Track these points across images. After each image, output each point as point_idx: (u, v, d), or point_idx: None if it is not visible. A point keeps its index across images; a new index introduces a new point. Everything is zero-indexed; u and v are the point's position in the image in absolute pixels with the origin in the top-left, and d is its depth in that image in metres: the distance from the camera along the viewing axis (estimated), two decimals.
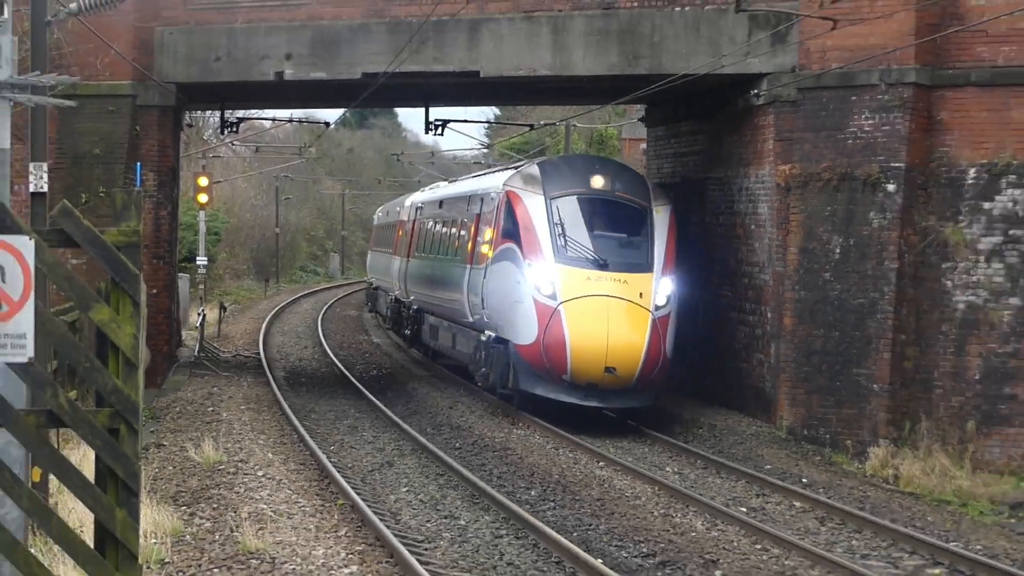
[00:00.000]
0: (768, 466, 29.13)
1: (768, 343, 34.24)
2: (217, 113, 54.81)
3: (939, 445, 28.71)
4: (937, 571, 20.93)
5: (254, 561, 19.69)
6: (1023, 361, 29.93)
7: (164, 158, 40.00)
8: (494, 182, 38.53)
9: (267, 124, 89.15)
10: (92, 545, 9.72)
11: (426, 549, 20.64)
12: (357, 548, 20.79)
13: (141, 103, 38.21)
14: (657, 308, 31.51)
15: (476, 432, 32.53)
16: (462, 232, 41.70)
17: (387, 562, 19.75)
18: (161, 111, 39.39)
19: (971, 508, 26.38)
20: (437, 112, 57.08)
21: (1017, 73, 30.11)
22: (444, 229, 46.12)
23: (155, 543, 19.23)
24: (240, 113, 57.48)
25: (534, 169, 35.00)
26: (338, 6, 36.35)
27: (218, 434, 30.81)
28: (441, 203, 48.94)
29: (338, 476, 25.69)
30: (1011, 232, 30.10)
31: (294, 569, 19.35)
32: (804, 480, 27.72)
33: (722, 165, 37.89)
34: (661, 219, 33.39)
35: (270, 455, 28.81)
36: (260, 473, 26.62)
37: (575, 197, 33.31)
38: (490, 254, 35.53)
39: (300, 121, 72.26)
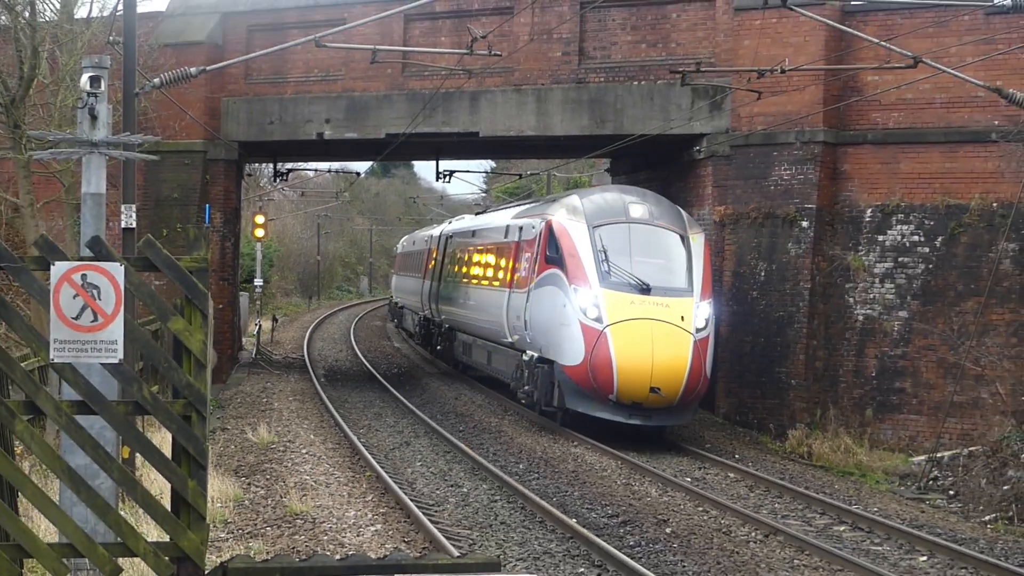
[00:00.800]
0: (708, 445, 29.10)
1: None
2: (271, 165, 54.97)
3: (843, 428, 28.82)
4: (842, 528, 20.89)
5: (299, 521, 19.67)
6: (909, 362, 29.98)
7: (228, 201, 40.06)
8: (532, 213, 33.93)
9: (310, 173, 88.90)
10: (169, 508, 9.68)
11: (436, 511, 20.62)
12: (381, 510, 20.77)
13: (210, 157, 38.28)
14: (698, 331, 26.98)
15: (476, 418, 32.47)
16: (500, 259, 36.12)
17: (405, 521, 19.74)
18: (226, 164, 39.45)
19: (869, 478, 26.48)
20: (445, 164, 56.95)
21: (903, 134, 30.24)
22: (479, 256, 40.16)
23: (220, 507, 19.23)
24: (289, 165, 57.34)
25: (575, 200, 30.47)
26: (367, 80, 36.33)
27: (270, 420, 30.76)
28: (474, 233, 43.31)
29: (366, 453, 25.67)
30: (899, 259, 30.23)
31: (331, 527, 19.30)
32: (736, 456, 27.73)
33: None
34: (697, 245, 28.83)
35: (312, 436, 28.76)
36: (304, 451, 26.59)
37: (616, 225, 28.61)
38: (532, 279, 30.71)
39: (336, 171, 72.31)
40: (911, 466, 27.45)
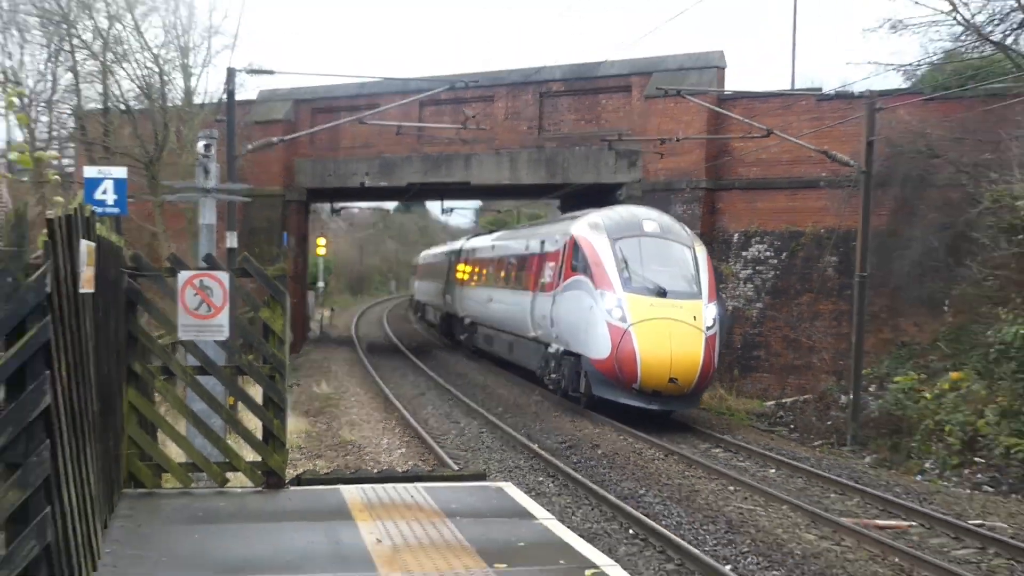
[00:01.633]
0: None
1: None
2: (328, 204, 54.93)
3: (720, 383, 28.79)
4: (718, 450, 20.98)
5: (349, 446, 19.72)
6: (763, 338, 30.07)
7: (299, 229, 40.05)
8: (552, 230, 29.59)
9: (355, 210, 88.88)
10: (261, 439, 9.73)
11: (442, 439, 20.68)
12: (404, 439, 20.82)
13: (287, 199, 38.27)
14: (707, 328, 23.32)
15: (470, 377, 32.45)
16: (524, 268, 31.20)
17: (421, 446, 19.79)
18: (297, 204, 39.44)
19: (736, 417, 26.47)
20: (447, 203, 57.13)
21: (759, 182, 30.25)
22: (502, 266, 34.66)
23: (295, 437, 19.25)
24: (340, 204, 57.43)
25: (597, 217, 26.11)
26: (393, 146, 36.29)
27: (329, 378, 30.77)
28: (494, 247, 37.81)
29: (395, 400, 25.71)
30: (757, 268, 30.29)
31: (371, 450, 19.36)
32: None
33: None
34: (701, 255, 24.99)
35: (358, 389, 28.78)
36: (352, 399, 26.61)
37: (634, 238, 24.66)
38: (558, 284, 26.45)
39: (373, 209, 72.67)
40: (765, 408, 27.55)
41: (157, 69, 34.87)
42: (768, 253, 30.39)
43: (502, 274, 34.31)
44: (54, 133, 37.43)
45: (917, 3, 27.94)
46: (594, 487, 16.10)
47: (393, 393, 27.24)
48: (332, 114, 36.47)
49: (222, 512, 8.84)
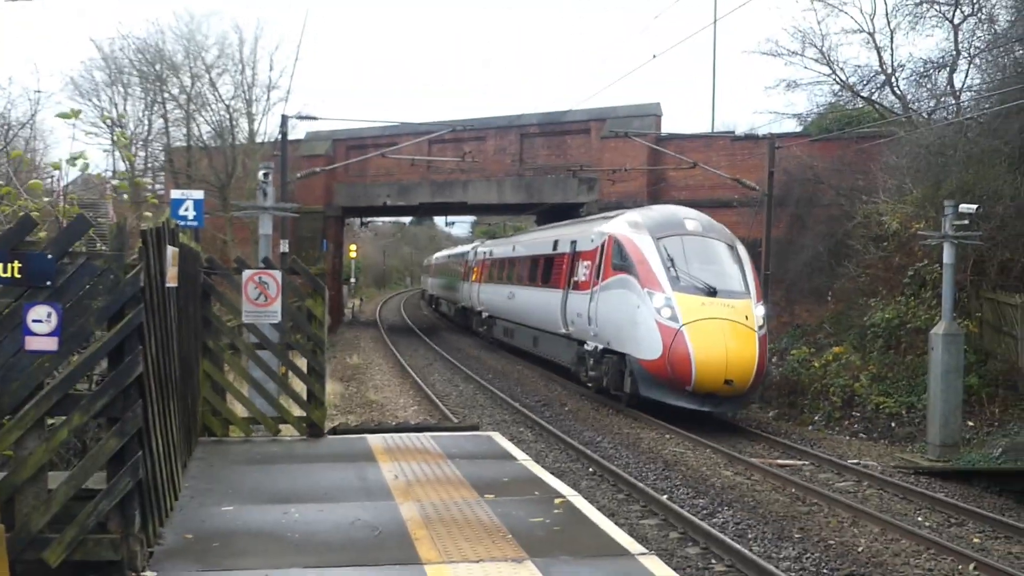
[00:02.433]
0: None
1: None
2: (359, 219, 54.68)
3: None
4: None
5: (374, 405, 19.62)
6: None
7: (336, 237, 39.69)
8: (584, 230, 23.10)
9: (379, 223, 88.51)
10: (305, 399, 9.68)
11: (445, 399, 20.55)
12: (417, 399, 20.74)
13: (327, 215, 37.87)
14: (759, 328, 17.64)
15: (467, 352, 32.30)
16: (550, 266, 24.94)
17: (430, 405, 19.68)
18: (335, 218, 39.13)
19: None
20: (450, 218, 57.12)
21: (688, 203, 29.33)
22: (524, 265, 28.21)
23: (332, 398, 19.10)
24: (368, 219, 57.30)
25: (637, 216, 20.20)
26: (408, 175, 36.05)
27: (359, 352, 30.65)
28: (514, 248, 31.20)
29: (409, 369, 25.62)
30: None
31: (391, 408, 19.26)
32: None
33: None
34: (744, 254, 19.23)
35: (381, 361, 28.68)
36: (376, 368, 26.51)
37: (677, 237, 18.77)
38: (596, 283, 20.37)
39: (393, 222, 72.35)
40: None
41: (228, 116, 35.48)
42: None
43: (526, 273, 28.08)
44: (149, 164, 37.63)
45: (806, 68, 28.52)
46: (562, 435, 16.08)
47: (408, 364, 27.15)
48: (361, 150, 36.26)
49: (275, 455, 8.81)
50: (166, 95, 36.11)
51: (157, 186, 37.01)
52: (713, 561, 9.49)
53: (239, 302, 9.53)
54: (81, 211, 6.91)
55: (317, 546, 5.93)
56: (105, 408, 5.50)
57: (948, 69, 24.70)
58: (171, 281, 6.94)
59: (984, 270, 19.47)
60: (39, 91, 30.17)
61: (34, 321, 5.32)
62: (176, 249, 7.24)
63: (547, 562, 5.64)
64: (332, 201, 38.32)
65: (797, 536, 10.56)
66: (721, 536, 9.93)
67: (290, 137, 28.70)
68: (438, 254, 64.45)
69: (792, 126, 31.32)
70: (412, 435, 9.90)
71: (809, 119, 30.71)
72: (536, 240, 28.91)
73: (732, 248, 19.19)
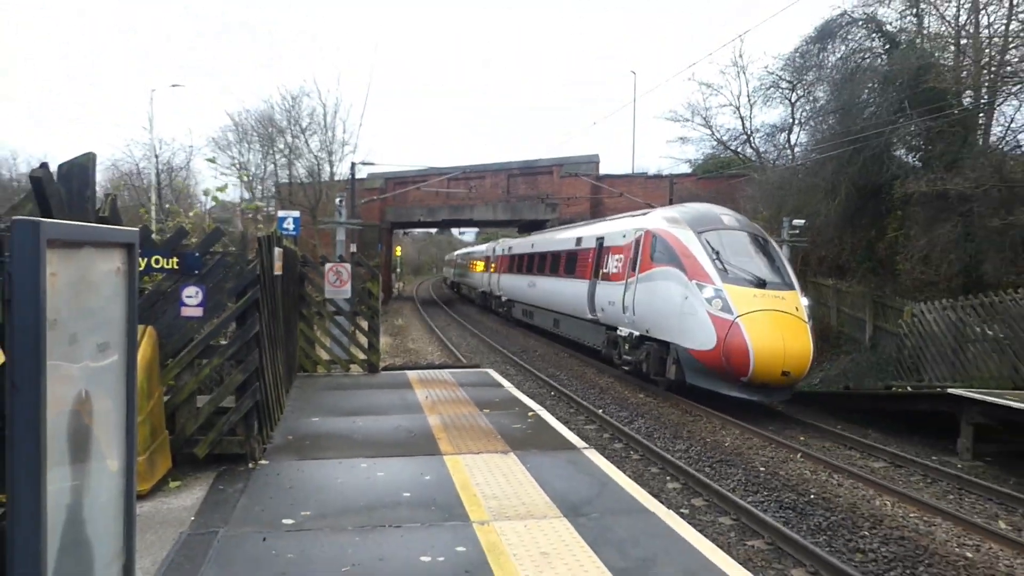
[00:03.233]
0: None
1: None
2: (401, 230, 54.11)
3: None
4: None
5: (412, 352, 19.33)
6: None
7: (388, 242, 39.31)
8: (611, 227, 16.55)
9: (415, 232, 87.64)
10: (366, 347, 9.61)
11: (459, 348, 20.20)
12: (439, 347, 20.48)
13: (381, 227, 37.09)
14: (807, 319, 11.88)
15: (475, 318, 31.76)
16: (573, 260, 18.58)
17: (448, 351, 19.39)
18: (386, 230, 38.46)
19: None
20: (461, 229, 56.63)
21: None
22: (545, 259, 21.61)
23: (384, 347, 18.88)
24: (407, 230, 56.70)
25: (673, 213, 14.03)
26: (435, 201, 35.68)
27: (402, 317, 30.39)
28: (533, 245, 23.83)
29: (435, 329, 25.40)
30: None
31: (423, 353, 18.98)
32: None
33: None
34: (776, 247, 13.32)
35: (417, 323, 28.39)
36: (413, 328, 26.23)
37: (717, 231, 12.91)
38: (631, 275, 14.15)
39: (424, 232, 71.28)
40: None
41: (316, 163, 35.46)
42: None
43: (547, 265, 21.60)
44: (264, 194, 37.68)
45: (695, 129, 28.66)
46: (534, 371, 16.00)
47: (435, 325, 26.98)
48: (403, 184, 35.90)
49: (346, 384, 8.78)
50: (275, 148, 36.48)
51: (268, 208, 36.87)
52: (632, 452, 9.55)
53: (323, 284, 9.47)
54: (217, 225, 6.89)
55: (374, 443, 5.95)
56: (234, 354, 5.47)
57: (787, 131, 24.84)
58: (277, 271, 6.90)
59: (809, 262, 19.56)
60: (191, 145, 30.07)
61: (187, 296, 5.32)
62: (281, 249, 7.19)
63: (523, 453, 5.69)
64: (384, 218, 37.89)
65: (686, 436, 10.63)
66: (636, 435, 9.97)
67: (357, 176, 28.48)
68: (458, 252, 64.00)
69: (685, 168, 31.31)
70: (436, 371, 9.88)
71: (696, 164, 30.73)
72: (556, 239, 22.13)
73: (768, 242, 13.44)
